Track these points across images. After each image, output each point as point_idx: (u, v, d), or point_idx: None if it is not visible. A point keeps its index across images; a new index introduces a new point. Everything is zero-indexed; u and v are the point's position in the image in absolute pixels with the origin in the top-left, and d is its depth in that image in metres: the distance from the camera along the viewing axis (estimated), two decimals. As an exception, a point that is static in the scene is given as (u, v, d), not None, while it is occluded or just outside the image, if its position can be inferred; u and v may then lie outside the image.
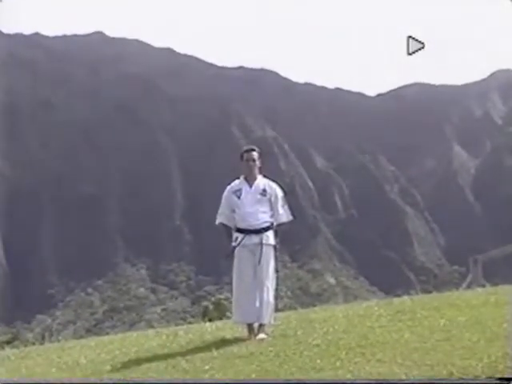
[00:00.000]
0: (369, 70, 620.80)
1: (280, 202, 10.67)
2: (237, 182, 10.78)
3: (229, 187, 10.89)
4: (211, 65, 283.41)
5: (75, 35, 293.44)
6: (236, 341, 10.08)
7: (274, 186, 10.73)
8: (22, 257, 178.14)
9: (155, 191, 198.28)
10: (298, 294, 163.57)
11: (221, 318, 22.63)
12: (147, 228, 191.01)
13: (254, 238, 10.39)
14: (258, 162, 10.64)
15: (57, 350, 11.45)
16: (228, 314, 26.40)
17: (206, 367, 8.26)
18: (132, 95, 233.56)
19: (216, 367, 8.22)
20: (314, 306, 18.52)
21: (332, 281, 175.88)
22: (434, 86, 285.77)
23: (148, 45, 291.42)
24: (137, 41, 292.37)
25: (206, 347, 9.74)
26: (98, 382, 8.49)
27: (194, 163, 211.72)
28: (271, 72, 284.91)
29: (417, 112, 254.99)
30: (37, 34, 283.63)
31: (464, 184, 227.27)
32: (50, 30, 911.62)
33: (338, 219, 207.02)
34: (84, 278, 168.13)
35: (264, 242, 10.41)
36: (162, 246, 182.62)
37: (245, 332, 10.40)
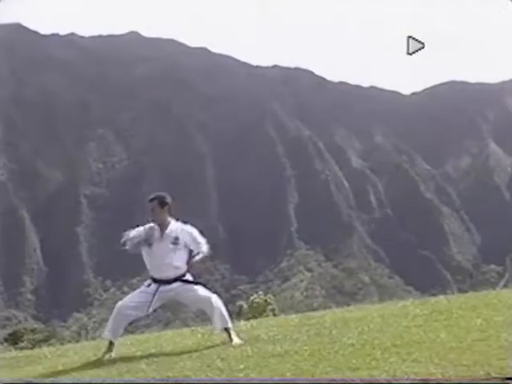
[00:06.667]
0: (403, 68, 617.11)
1: (198, 238, 10.50)
2: (148, 227, 10.49)
3: (147, 227, 10.49)
4: (246, 64, 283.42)
5: (110, 35, 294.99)
6: (271, 340, 10.06)
7: (186, 228, 10.56)
8: (58, 256, 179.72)
9: (190, 190, 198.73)
10: (332, 293, 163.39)
11: (256, 317, 22.60)
12: (185, 221, 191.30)
13: (168, 287, 10.27)
14: (159, 210, 10.41)
15: (93, 348, 11.52)
16: (264, 313, 26.38)
17: (241, 366, 8.25)
18: (167, 95, 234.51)
19: (251, 366, 8.20)
20: (349, 305, 18.48)
21: (367, 280, 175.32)
22: (469, 83, 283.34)
23: (183, 44, 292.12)
24: (172, 40, 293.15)
25: (241, 346, 9.74)
26: (131, 381, 8.52)
27: (229, 162, 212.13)
28: (306, 71, 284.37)
29: (452, 110, 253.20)
30: (73, 34, 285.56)
31: (500, 182, 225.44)
32: (86, 30, 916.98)
33: (373, 218, 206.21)
34: (120, 277, 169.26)
35: (178, 286, 10.33)
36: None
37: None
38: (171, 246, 10.32)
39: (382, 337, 9.20)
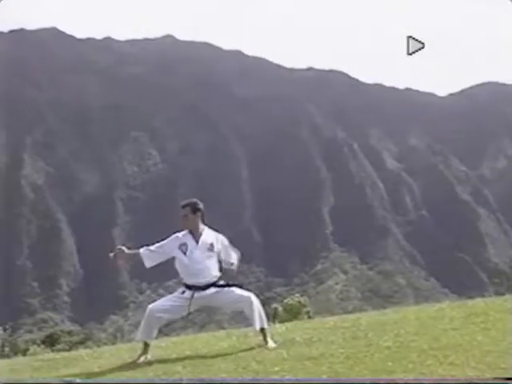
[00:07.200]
0: (440, 69, 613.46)
1: (229, 247, 10.58)
2: (180, 234, 10.50)
3: (174, 237, 10.53)
4: (280, 66, 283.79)
5: (146, 39, 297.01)
6: (306, 342, 10.03)
7: (220, 236, 10.58)
8: (94, 258, 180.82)
9: (224, 192, 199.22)
10: (368, 296, 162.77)
11: (291, 320, 22.56)
12: (216, 229, 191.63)
13: (202, 293, 10.25)
14: (191, 217, 10.41)
15: (129, 351, 11.54)
16: (299, 316, 26.29)
17: (277, 368, 8.25)
18: (201, 98, 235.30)
19: (286, 369, 8.20)
20: (385, 307, 18.44)
21: (403, 282, 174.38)
22: (506, 85, 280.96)
23: (217, 47, 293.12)
24: (206, 43, 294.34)
25: (277, 349, 9.73)
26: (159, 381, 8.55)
27: (263, 165, 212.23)
28: (340, 73, 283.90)
29: (489, 111, 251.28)
30: (108, 38, 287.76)
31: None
32: (121, 34, 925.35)
33: (409, 220, 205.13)
34: (155, 279, 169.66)
35: (213, 293, 10.30)
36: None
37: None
38: (207, 252, 10.34)
39: (418, 340, 9.15)
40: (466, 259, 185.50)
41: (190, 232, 10.46)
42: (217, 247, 10.44)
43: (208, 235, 10.49)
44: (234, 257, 10.62)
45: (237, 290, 10.36)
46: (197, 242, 10.37)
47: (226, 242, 10.63)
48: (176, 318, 10.54)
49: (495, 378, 6.51)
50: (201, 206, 10.56)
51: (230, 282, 10.51)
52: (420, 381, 6.84)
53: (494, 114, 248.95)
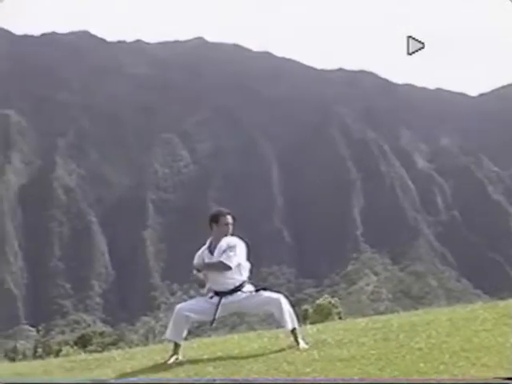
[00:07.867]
0: (471, 69, 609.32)
1: (230, 251, 10.20)
2: (205, 246, 10.52)
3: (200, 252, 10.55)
4: (310, 67, 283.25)
5: (176, 41, 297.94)
6: (337, 344, 10.01)
7: (233, 240, 10.36)
8: (126, 260, 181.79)
9: (255, 194, 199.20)
10: (399, 297, 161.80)
11: (322, 321, 22.48)
12: (247, 231, 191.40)
13: (230, 298, 10.21)
14: (233, 224, 10.45)
15: (161, 352, 11.59)
16: (330, 317, 26.18)
17: (308, 370, 8.24)
18: (231, 99, 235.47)
19: (318, 370, 8.19)
20: (416, 308, 18.32)
21: (434, 283, 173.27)
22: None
23: (247, 49, 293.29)
24: (236, 45, 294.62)
25: (308, 350, 9.72)
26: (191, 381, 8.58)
27: (294, 166, 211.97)
28: (370, 73, 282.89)
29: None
30: (139, 41, 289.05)
31: None
32: (152, 36, 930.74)
33: (440, 221, 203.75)
34: (186, 281, 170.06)
35: (242, 299, 10.25)
36: (263, 248, 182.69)
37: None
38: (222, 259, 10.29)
39: (450, 341, 9.09)
40: (498, 260, 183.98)
41: (214, 240, 10.46)
42: (223, 257, 10.21)
43: (222, 245, 10.37)
44: (229, 260, 10.25)
45: (265, 293, 10.35)
46: (212, 253, 10.35)
47: (232, 244, 10.35)
48: (204, 319, 10.51)
49: (495, 378, 6.47)
50: None
51: (258, 288, 10.48)
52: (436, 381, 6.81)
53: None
